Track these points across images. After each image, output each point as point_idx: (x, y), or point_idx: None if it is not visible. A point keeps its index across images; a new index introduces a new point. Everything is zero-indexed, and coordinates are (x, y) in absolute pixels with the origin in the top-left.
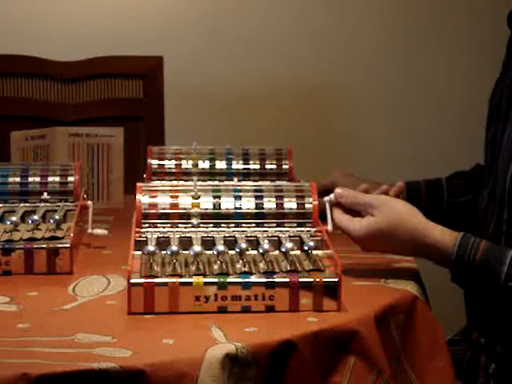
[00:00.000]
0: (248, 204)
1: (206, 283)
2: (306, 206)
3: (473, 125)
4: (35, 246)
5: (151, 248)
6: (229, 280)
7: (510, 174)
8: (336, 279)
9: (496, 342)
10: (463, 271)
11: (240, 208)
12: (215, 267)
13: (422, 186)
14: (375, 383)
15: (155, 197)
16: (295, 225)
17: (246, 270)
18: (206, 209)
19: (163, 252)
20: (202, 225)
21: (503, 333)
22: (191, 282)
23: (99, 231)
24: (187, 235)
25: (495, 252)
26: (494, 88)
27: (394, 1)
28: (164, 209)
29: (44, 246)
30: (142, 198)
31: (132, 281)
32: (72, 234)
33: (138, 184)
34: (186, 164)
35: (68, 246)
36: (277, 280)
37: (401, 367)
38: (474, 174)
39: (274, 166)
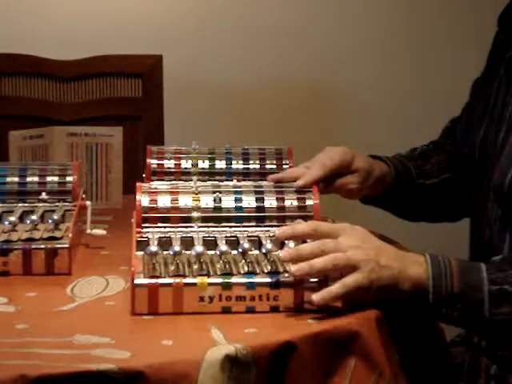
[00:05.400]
0: (249, 203)
1: (210, 283)
2: (307, 205)
3: None
4: (33, 247)
5: (154, 248)
6: (233, 280)
7: (508, 178)
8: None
9: (496, 347)
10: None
11: (241, 207)
12: (218, 267)
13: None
14: None
15: (155, 197)
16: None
17: (249, 270)
18: (207, 208)
19: (165, 252)
20: (202, 224)
21: (504, 337)
22: (195, 283)
23: (98, 231)
24: (188, 235)
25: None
26: (476, 88)
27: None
28: (164, 209)
29: (42, 246)
30: (143, 198)
31: (136, 281)
32: (70, 235)
33: (138, 184)
34: (186, 164)
35: (66, 246)
36: (281, 280)
37: (401, 368)
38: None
39: (274, 166)
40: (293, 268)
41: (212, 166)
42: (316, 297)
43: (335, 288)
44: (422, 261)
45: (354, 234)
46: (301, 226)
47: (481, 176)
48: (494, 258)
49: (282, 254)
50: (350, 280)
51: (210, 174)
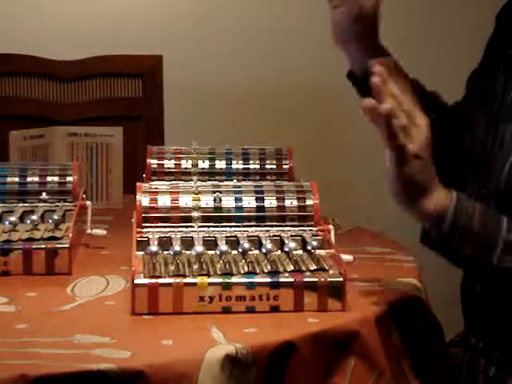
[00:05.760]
0: (249, 203)
1: (210, 283)
2: (307, 205)
3: None
4: (34, 247)
5: (154, 248)
6: (233, 280)
7: (504, 174)
8: (341, 279)
9: (494, 348)
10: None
11: (241, 207)
12: (218, 267)
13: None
14: None
15: (156, 197)
16: (296, 224)
17: (249, 270)
18: (207, 208)
19: (165, 252)
20: (202, 224)
21: (501, 339)
22: (195, 283)
23: (98, 231)
24: (188, 235)
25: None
26: (473, 87)
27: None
28: (164, 209)
29: (43, 246)
30: (143, 198)
31: (136, 281)
32: (71, 235)
33: (138, 184)
34: (186, 164)
35: (67, 246)
36: (281, 280)
37: (401, 368)
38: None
39: (274, 166)
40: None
41: (212, 165)
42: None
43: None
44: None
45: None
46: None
47: (479, 173)
48: None
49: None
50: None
51: (210, 174)
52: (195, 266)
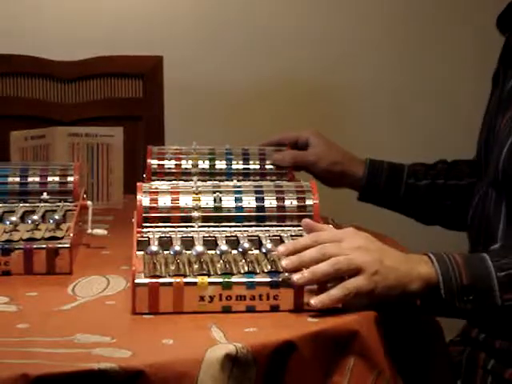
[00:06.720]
0: (249, 203)
1: (210, 283)
2: (307, 205)
3: (478, 125)
4: (35, 246)
5: (154, 248)
6: (233, 280)
7: (502, 159)
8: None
9: (495, 336)
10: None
11: (241, 207)
12: (218, 267)
13: (385, 165)
14: (376, 383)
15: (156, 197)
16: (296, 224)
17: (249, 269)
18: (207, 208)
19: (166, 252)
20: (203, 224)
21: (502, 326)
22: (196, 282)
23: (99, 231)
24: (189, 235)
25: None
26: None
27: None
28: (165, 209)
29: (43, 246)
30: (143, 198)
31: (137, 281)
32: (72, 234)
33: (139, 184)
34: (186, 164)
35: (68, 246)
36: (281, 279)
37: (401, 367)
38: (435, 164)
39: (274, 166)
40: (295, 277)
41: (212, 166)
42: (315, 301)
43: (334, 291)
44: (427, 259)
45: (356, 237)
46: (302, 240)
47: (483, 173)
48: (493, 247)
49: (284, 262)
50: (351, 283)
51: (211, 174)
52: (195, 266)
